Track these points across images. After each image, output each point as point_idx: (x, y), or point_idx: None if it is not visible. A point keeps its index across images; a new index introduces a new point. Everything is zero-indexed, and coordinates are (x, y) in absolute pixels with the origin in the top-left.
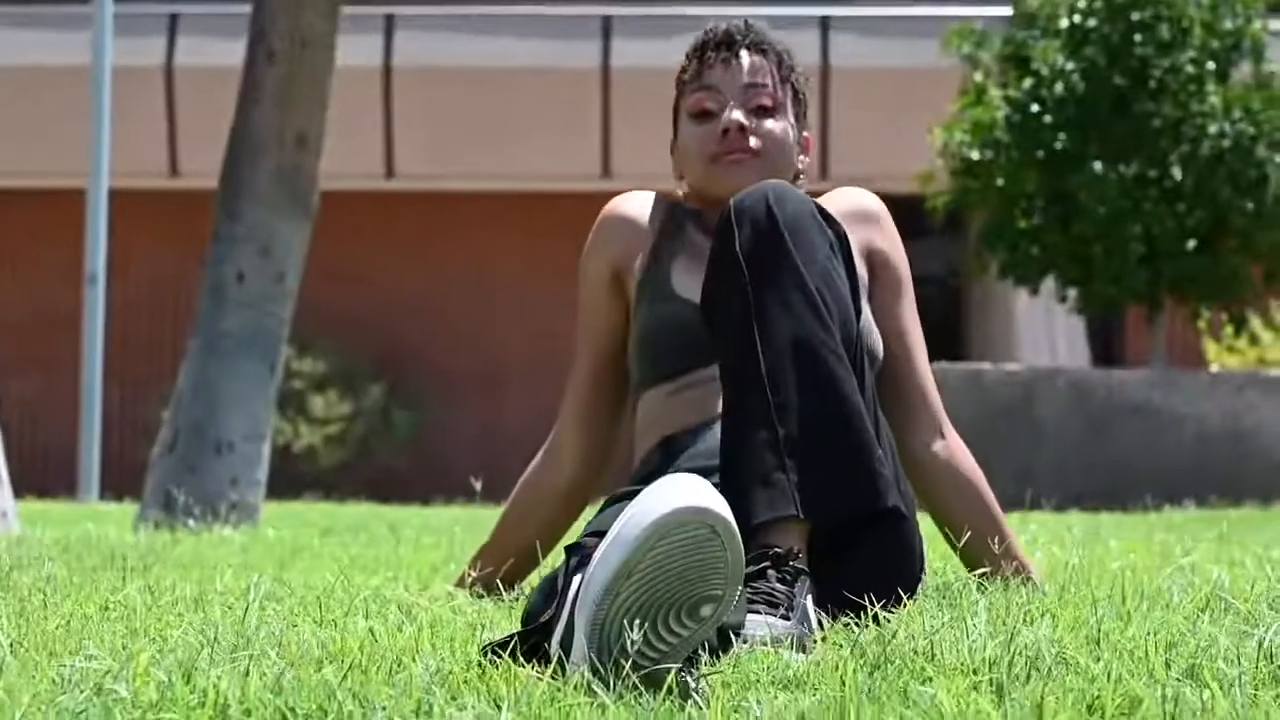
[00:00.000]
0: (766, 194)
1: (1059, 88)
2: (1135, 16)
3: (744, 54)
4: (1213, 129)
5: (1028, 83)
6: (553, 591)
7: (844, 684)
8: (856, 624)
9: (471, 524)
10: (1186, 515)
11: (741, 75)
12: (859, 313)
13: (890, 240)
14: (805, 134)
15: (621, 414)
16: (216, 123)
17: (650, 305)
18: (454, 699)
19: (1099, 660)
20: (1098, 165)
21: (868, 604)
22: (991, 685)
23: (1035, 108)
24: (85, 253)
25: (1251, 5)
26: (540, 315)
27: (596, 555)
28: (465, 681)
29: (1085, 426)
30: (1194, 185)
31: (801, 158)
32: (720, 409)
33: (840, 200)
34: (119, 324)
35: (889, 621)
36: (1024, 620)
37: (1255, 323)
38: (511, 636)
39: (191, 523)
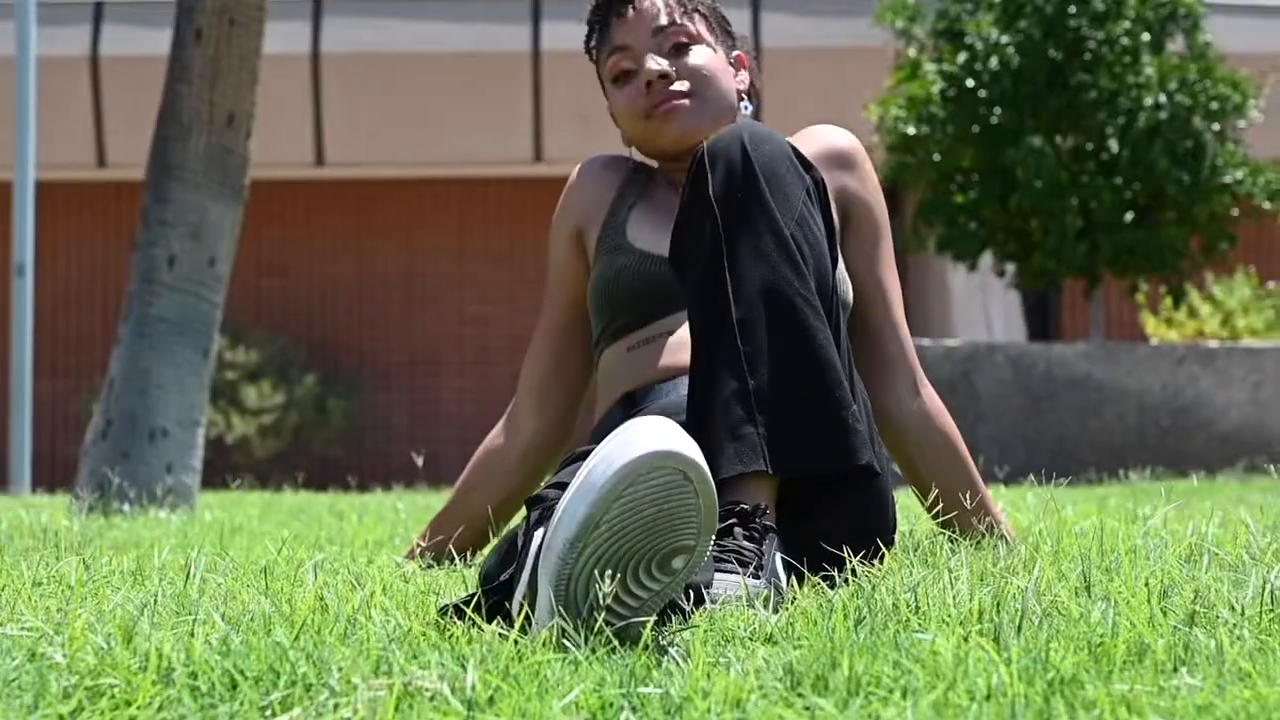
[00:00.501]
0: (741, 135)
1: (994, 61)
2: None
3: (640, 1)
4: (1148, 101)
5: (962, 57)
6: (511, 551)
7: (831, 636)
8: (830, 583)
9: (412, 505)
10: (1134, 487)
11: (645, 23)
12: (835, 261)
13: (866, 183)
14: (737, 52)
15: (585, 381)
16: (144, 112)
17: (606, 257)
18: (415, 658)
19: (1094, 609)
20: (1035, 139)
21: (841, 561)
22: (983, 635)
23: (970, 82)
24: (13, 245)
25: None
26: (472, 301)
27: (560, 505)
28: (425, 639)
29: (1026, 401)
30: (1130, 158)
31: (740, 76)
32: (683, 364)
33: (812, 141)
34: (48, 317)
35: (866, 578)
36: (1008, 572)
37: (1194, 295)
38: (470, 597)
39: (126, 507)
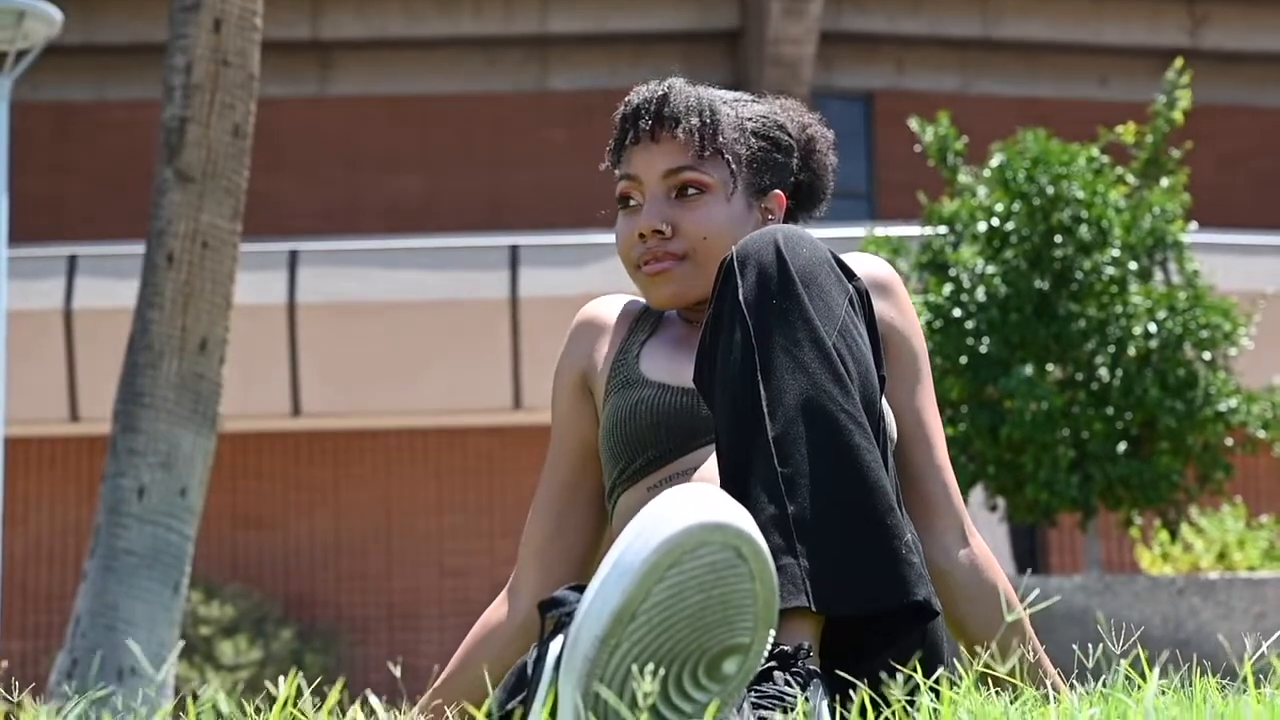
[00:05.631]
0: (775, 237)
1: (980, 292)
2: (1055, 219)
3: (659, 131)
4: (1138, 329)
5: (948, 288)
6: (520, 681)
7: None
8: None
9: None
10: None
11: (660, 160)
12: (883, 382)
13: (904, 314)
14: (776, 192)
15: (593, 544)
16: (118, 365)
17: (618, 395)
18: None
19: None
20: (1026, 369)
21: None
22: None
23: (957, 312)
24: None
25: (1169, 206)
26: (451, 553)
27: (588, 596)
28: None
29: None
30: (1122, 387)
31: (771, 220)
32: None
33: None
34: (18, 576)
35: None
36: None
37: (1187, 529)
38: None
39: None
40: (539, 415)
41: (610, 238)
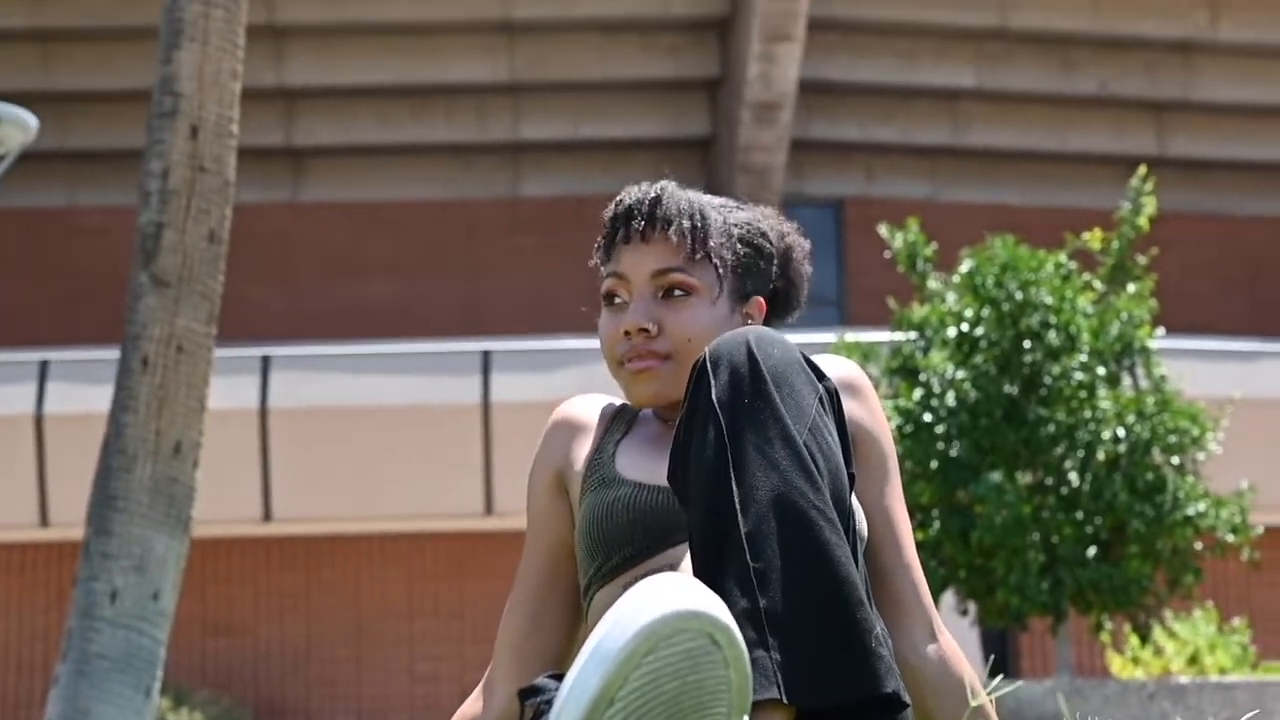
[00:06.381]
0: (748, 338)
1: (950, 397)
2: (1024, 324)
3: (650, 231)
4: (1107, 434)
5: (918, 393)
6: None
7: None
8: None
9: None
10: None
11: (650, 260)
12: (852, 480)
13: (874, 414)
14: (757, 298)
15: (568, 639)
16: (89, 471)
17: (594, 494)
18: None
19: None
20: (995, 475)
21: None
22: None
23: (927, 417)
24: None
25: (1136, 311)
26: (422, 659)
27: (568, 680)
28: None
29: None
30: (1091, 492)
31: (751, 325)
32: None
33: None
34: None
35: None
36: None
37: (1159, 632)
38: None
39: None
40: (510, 521)
41: (581, 343)
